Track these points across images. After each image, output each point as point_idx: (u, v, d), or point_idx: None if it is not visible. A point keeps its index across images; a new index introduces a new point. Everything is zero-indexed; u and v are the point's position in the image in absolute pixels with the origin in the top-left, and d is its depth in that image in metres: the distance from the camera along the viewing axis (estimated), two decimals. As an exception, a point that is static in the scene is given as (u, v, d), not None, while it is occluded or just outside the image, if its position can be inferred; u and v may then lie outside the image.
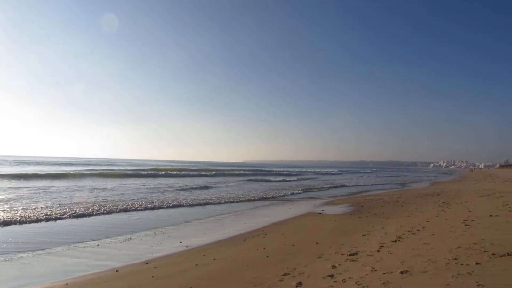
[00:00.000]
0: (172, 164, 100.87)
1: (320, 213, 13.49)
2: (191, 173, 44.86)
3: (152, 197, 18.12)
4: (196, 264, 6.64)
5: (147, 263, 6.90)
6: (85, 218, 11.78)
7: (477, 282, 4.13)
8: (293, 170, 75.98)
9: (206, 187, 25.56)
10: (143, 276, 6.03)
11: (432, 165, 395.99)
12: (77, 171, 37.86)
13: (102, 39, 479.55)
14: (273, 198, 20.22)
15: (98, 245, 8.39)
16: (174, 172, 43.35)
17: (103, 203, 14.87)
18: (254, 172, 53.53)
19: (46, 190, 19.40)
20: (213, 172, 46.99)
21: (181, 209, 14.87)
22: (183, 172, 44.41)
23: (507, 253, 5.19)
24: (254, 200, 18.94)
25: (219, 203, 17.11)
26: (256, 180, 36.38)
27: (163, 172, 42.33)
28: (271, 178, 40.10)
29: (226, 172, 50.26)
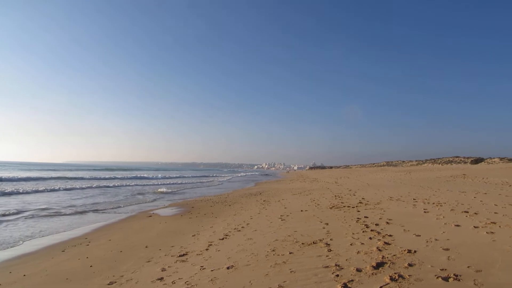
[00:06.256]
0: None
1: (151, 216, 13.09)
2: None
3: None
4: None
5: None
6: None
7: (290, 269, 4.72)
8: (164, 173, 67.45)
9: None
10: None
11: (256, 166, 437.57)
12: None
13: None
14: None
15: None
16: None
17: None
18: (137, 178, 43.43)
19: None
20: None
21: None
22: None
23: (313, 242, 6.14)
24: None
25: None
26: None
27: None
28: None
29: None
